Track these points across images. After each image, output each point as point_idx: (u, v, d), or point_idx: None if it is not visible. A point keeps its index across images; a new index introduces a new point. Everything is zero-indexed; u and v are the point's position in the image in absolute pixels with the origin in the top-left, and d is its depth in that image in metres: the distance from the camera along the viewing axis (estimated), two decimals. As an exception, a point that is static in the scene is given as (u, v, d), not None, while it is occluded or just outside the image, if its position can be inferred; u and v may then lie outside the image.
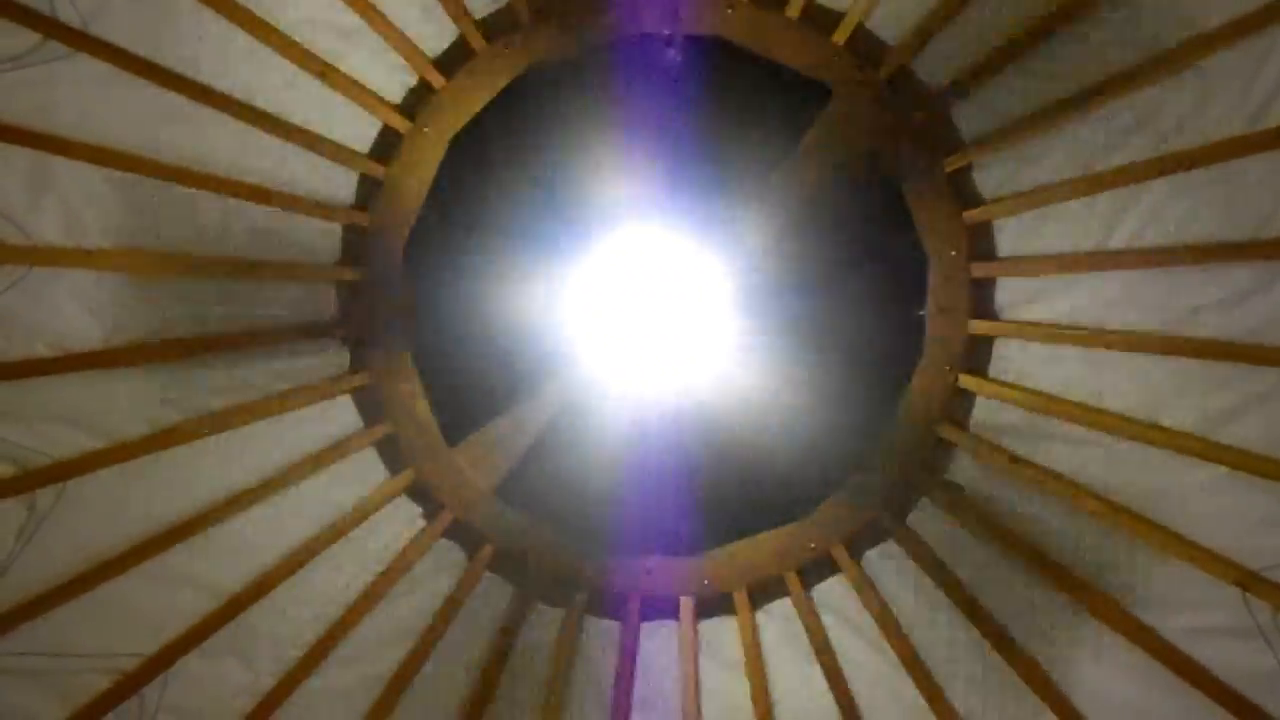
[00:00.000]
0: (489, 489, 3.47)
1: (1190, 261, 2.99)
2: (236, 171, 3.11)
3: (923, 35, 3.11)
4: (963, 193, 3.26)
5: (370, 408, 3.40)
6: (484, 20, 3.18)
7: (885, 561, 3.41)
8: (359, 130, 3.22)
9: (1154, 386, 3.08)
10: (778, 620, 3.46)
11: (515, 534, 3.47)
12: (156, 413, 3.15)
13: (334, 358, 3.36)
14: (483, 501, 3.47)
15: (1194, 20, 2.83)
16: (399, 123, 3.23)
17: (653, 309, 3.52)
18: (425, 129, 3.24)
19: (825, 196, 3.35)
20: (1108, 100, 2.99)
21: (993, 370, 3.32)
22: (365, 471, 3.40)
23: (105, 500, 3.12)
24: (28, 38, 2.84)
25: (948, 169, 3.23)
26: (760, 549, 3.47)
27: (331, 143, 3.18)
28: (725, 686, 3.47)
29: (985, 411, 3.34)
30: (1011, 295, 3.28)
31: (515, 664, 3.46)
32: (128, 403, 3.13)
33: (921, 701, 3.32)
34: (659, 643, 3.50)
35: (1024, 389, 3.26)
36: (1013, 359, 3.30)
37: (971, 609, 3.29)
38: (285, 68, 3.07)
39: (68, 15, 2.86)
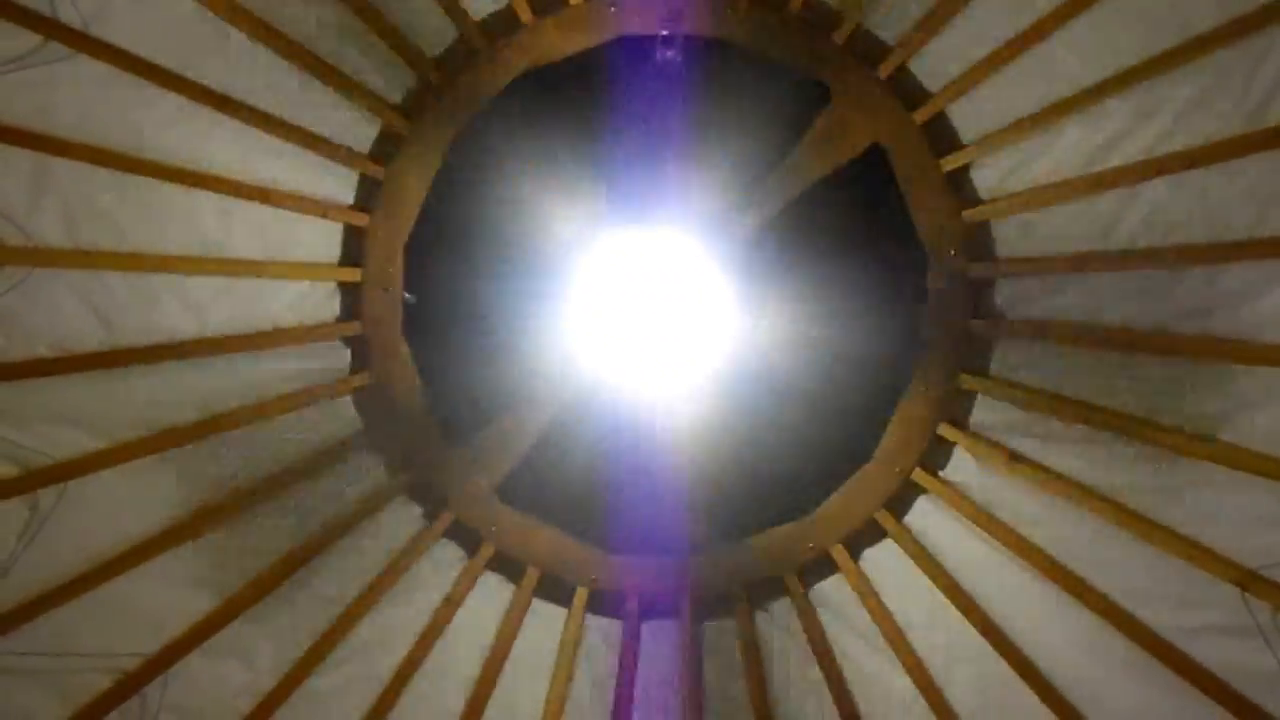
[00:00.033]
0: (489, 489, 3.48)
1: (1189, 261, 2.99)
2: (237, 172, 3.12)
3: (922, 35, 3.11)
4: (961, 192, 3.26)
5: (371, 408, 3.40)
6: (484, 20, 3.19)
7: (885, 561, 3.41)
8: (359, 130, 3.22)
9: (1154, 386, 3.08)
10: (777, 620, 3.47)
11: (515, 534, 3.48)
12: (157, 413, 3.16)
13: (334, 358, 3.37)
14: (483, 501, 3.47)
15: (1193, 20, 2.83)
16: (399, 123, 3.23)
17: (653, 309, 3.52)
18: (425, 129, 3.24)
19: (824, 196, 3.35)
20: (1106, 100, 2.98)
21: (992, 370, 3.32)
22: (365, 471, 3.40)
23: (106, 500, 3.12)
24: (29, 39, 2.83)
25: (946, 169, 3.24)
26: (760, 549, 3.48)
27: (331, 143, 3.19)
28: (726, 687, 3.47)
29: (985, 411, 3.34)
30: (1011, 295, 3.28)
31: (516, 664, 3.46)
32: (128, 403, 3.13)
33: (921, 701, 3.32)
34: (659, 642, 3.50)
35: (1023, 388, 3.27)
36: (1014, 359, 3.30)
37: (970, 608, 3.29)
38: (285, 68, 3.06)
39: (69, 17, 2.85)
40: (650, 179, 3.36)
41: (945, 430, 3.35)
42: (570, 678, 3.46)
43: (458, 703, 3.44)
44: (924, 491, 3.39)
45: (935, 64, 3.17)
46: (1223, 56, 2.83)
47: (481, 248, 3.42)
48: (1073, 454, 3.20)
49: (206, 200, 3.11)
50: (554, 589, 3.49)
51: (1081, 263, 3.16)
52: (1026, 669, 3.23)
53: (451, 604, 3.43)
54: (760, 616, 3.48)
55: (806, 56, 3.23)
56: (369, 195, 3.28)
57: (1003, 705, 3.27)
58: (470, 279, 3.42)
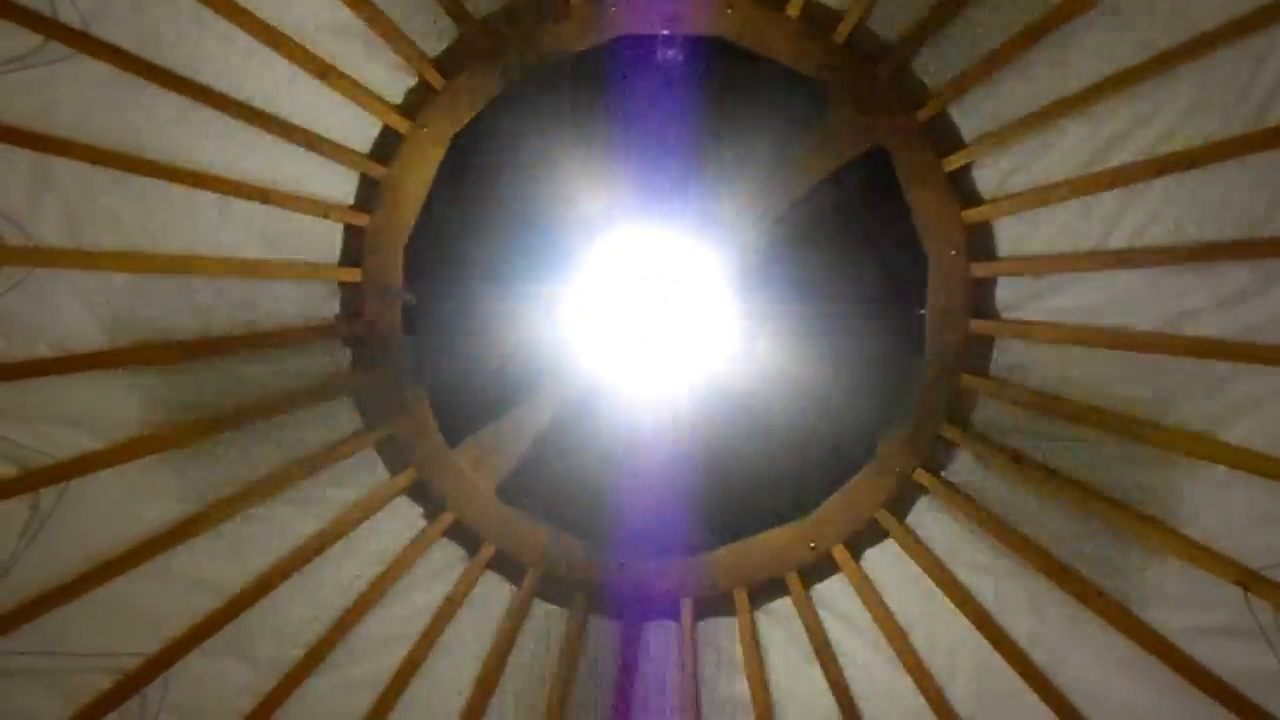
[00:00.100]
0: (490, 489, 3.48)
1: (1190, 261, 2.99)
2: (237, 172, 3.12)
3: (922, 34, 3.11)
4: (962, 192, 3.26)
5: (371, 408, 3.40)
6: (484, 20, 3.19)
7: (885, 561, 3.41)
8: (359, 130, 3.22)
9: (1154, 386, 3.08)
10: (778, 620, 3.47)
11: (515, 534, 3.48)
12: (157, 413, 3.16)
13: (334, 358, 3.37)
14: (483, 502, 3.47)
15: (1194, 20, 2.82)
16: (399, 123, 3.23)
17: (652, 309, 3.52)
18: (425, 129, 3.25)
19: (825, 196, 3.35)
20: (1107, 99, 2.98)
21: (993, 370, 3.32)
22: (366, 471, 3.41)
23: (107, 500, 3.12)
24: (29, 39, 2.83)
25: (947, 168, 3.23)
26: (760, 549, 3.47)
27: (331, 143, 3.19)
28: (725, 686, 3.47)
29: (986, 411, 3.34)
30: (1012, 295, 3.28)
31: (515, 664, 3.46)
32: (129, 403, 3.13)
33: (922, 701, 3.32)
34: (660, 642, 3.50)
35: (1024, 388, 3.26)
36: (1013, 358, 3.29)
37: (971, 608, 3.29)
38: (285, 68, 3.07)
39: (69, 16, 2.86)
40: (650, 179, 3.36)
41: (946, 430, 3.35)
42: (570, 678, 3.46)
43: (458, 703, 3.44)
44: (925, 492, 3.38)
45: (936, 63, 3.17)
46: (1224, 56, 2.83)
47: (482, 248, 3.42)
48: (1073, 454, 3.20)
49: (206, 200, 3.11)
50: (554, 589, 3.49)
51: (1082, 262, 3.15)
52: (1027, 669, 3.23)
53: (451, 604, 3.43)
54: (761, 616, 3.48)
55: (807, 56, 3.23)
56: (369, 195, 3.28)
57: (1003, 705, 3.26)
58: (470, 279, 3.42)
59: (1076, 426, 3.18)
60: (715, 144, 3.35)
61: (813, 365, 3.46)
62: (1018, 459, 3.25)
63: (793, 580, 3.45)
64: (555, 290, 3.44)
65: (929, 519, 3.38)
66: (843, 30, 3.18)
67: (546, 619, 3.48)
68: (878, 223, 3.38)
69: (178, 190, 3.07)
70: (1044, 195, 3.14)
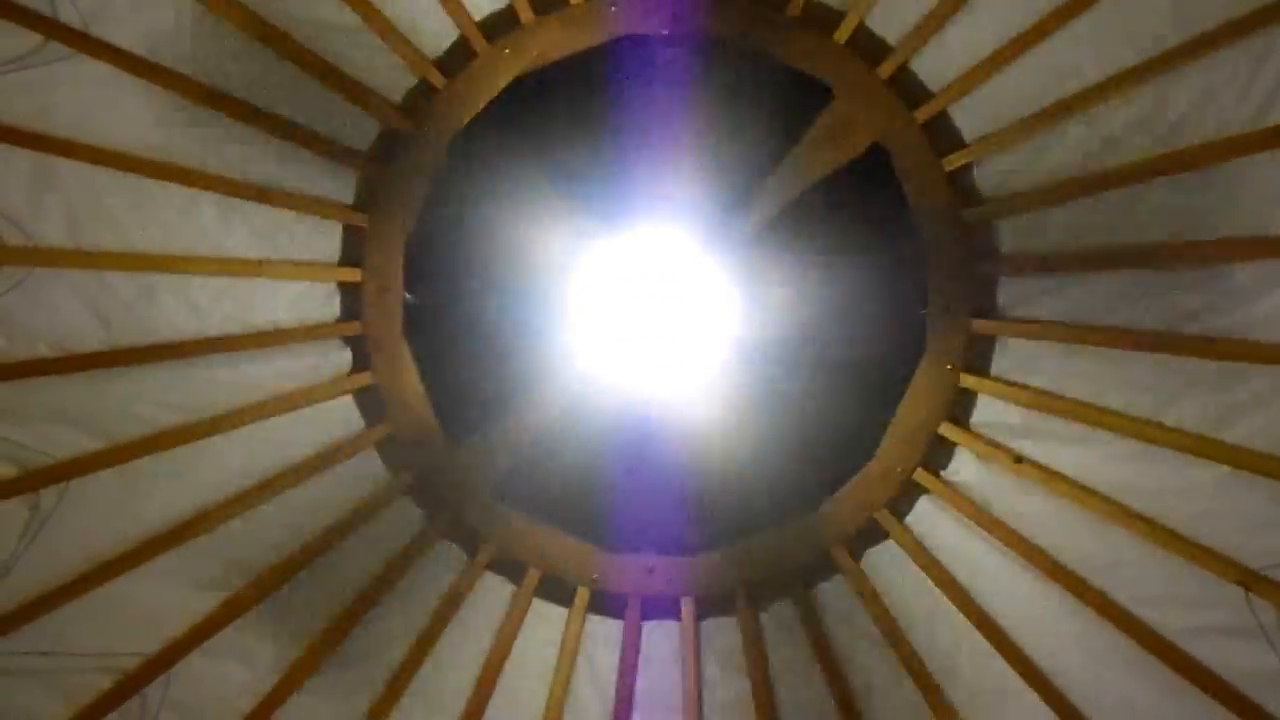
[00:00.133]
0: (490, 489, 3.48)
1: (1191, 261, 2.99)
2: (237, 172, 3.12)
3: (923, 34, 3.10)
4: (963, 191, 3.25)
5: (371, 408, 3.40)
6: (484, 20, 3.19)
7: (886, 561, 3.41)
8: (359, 130, 3.22)
9: (1154, 386, 3.07)
10: (778, 620, 3.46)
11: (515, 534, 3.48)
12: (157, 413, 3.16)
13: (335, 358, 3.37)
14: (483, 501, 3.47)
15: (1194, 20, 2.82)
16: (400, 123, 3.23)
17: (652, 309, 3.52)
18: (425, 129, 3.24)
19: (825, 196, 3.34)
20: (1109, 99, 2.98)
21: (994, 369, 3.32)
22: (366, 471, 3.41)
23: (107, 500, 3.12)
24: (29, 39, 2.83)
25: (947, 168, 3.23)
26: (761, 549, 3.47)
27: (332, 142, 3.19)
28: (725, 687, 3.47)
29: (987, 411, 3.33)
30: (1013, 295, 3.28)
31: (516, 664, 3.46)
32: (129, 403, 3.13)
33: (922, 702, 3.32)
34: (660, 642, 3.50)
35: (1025, 388, 3.26)
36: (1015, 359, 3.29)
37: (971, 608, 3.29)
38: (285, 68, 3.07)
39: (69, 16, 2.85)
40: (651, 179, 3.36)
41: (947, 430, 3.35)
42: (570, 678, 3.46)
43: (458, 703, 3.44)
44: (925, 492, 3.38)
45: (937, 63, 3.16)
46: (1225, 56, 2.82)
47: (481, 247, 3.42)
48: (1074, 454, 3.20)
49: (206, 200, 3.11)
50: (554, 589, 3.49)
51: (1083, 262, 3.15)
52: (1027, 669, 3.23)
53: (452, 604, 3.43)
54: (761, 616, 3.48)
55: (808, 56, 3.22)
56: (369, 195, 3.28)
57: (1003, 705, 3.26)
58: (470, 279, 3.43)
59: (1077, 427, 3.18)
60: (715, 144, 3.35)
61: (813, 364, 3.46)
62: (1018, 459, 3.24)
63: (793, 581, 3.44)
64: (556, 290, 3.43)
65: (929, 519, 3.38)
66: (843, 30, 3.17)
67: (546, 619, 3.48)
68: (878, 222, 3.38)
69: (178, 190, 3.07)
70: (1044, 195, 3.14)
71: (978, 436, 3.32)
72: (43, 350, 3.03)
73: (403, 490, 3.43)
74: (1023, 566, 3.24)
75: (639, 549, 3.49)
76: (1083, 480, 3.18)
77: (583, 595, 3.48)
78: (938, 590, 3.32)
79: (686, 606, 3.49)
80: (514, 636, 3.45)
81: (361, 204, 3.28)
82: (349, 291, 3.34)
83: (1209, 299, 2.97)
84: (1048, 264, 3.20)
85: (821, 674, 3.40)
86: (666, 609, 3.50)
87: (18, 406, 3.00)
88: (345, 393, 3.37)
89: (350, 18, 3.05)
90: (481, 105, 3.24)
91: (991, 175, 3.21)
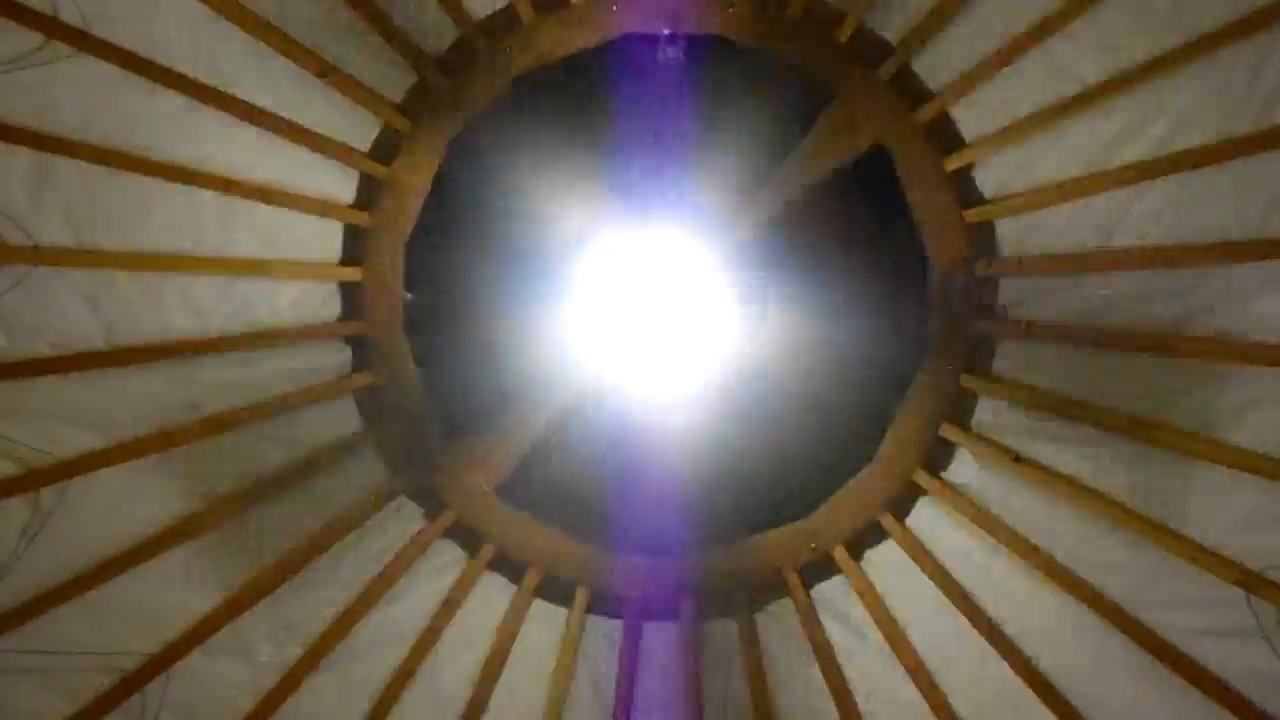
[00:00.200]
0: (490, 489, 3.48)
1: (1192, 262, 2.98)
2: (237, 171, 3.12)
3: (924, 34, 3.10)
4: (964, 192, 3.25)
5: (371, 408, 3.40)
6: (484, 20, 3.19)
7: (886, 562, 3.40)
8: (359, 130, 3.22)
9: (1155, 386, 3.07)
10: (778, 620, 3.46)
11: (515, 534, 3.48)
12: (157, 413, 3.16)
13: (335, 358, 3.37)
14: (484, 501, 3.47)
15: (1195, 20, 2.82)
16: (399, 123, 3.23)
17: (652, 309, 3.51)
18: (426, 128, 3.24)
19: (826, 196, 3.34)
20: (1109, 100, 2.97)
21: (994, 370, 3.31)
22: (366, 471, 3.41)
23: (107, 500, 3.12)
24: (30, 38, 2.84)
25: (949, 168, 3.22)
26: (761, 549, 3.47)
27: (332, 143, 3.19)
28: (725, 687, 3.47)
29: (987, 412, 3.33)
30: (1013, 294, 3.27)
31: (516, 664, 3.46)
32: (129, 403, 3.13)
33: (922, 702, 3.31)
34: (660, 643, 3.50)
35: (1026, 389, 3.26)
36: (1014, 359, 3.29)
37: (971, 609, 3.29)
38: (286, 68, 3.07)
39: (70, 16, 2.85)
40: (651, 178, 3.36)
41: (947, 431, 3.34)
42: (570, 678, 3.46)
43: (458, 703, 3.44)
44: (926, 493, 3.38)
45: (938, 63, 3.16)
46: (1227, 56, 2.82)
47: (482, 247, 3.42)
48: (1075, 455, 3.19)
49: (207, 200, 3.11)
50: (554, 589, 3.49)
51: (1084, 263, 3.15)
52: (1027, 670, 3.23)
53: (452, 604, 3.43)
54: (761, 617, 3.48)
55: (808, 56, 3.22)
56: (369, 195, 3.28)
57: (1003, 706, 3.26)
58: (471, 279, 3.43)
59: (1077, 427, 3.18)
60: (715, 144, 3.35)
61: (813, 365, 3.46)
62: (1018, 459, 3.24)
63: (793, 581, 3.45)
64: (556, 290, 3.43)
65: (929, 520, 3.38)
66: (844, 30, 3.17)
67: (546, 619, 3.48)
68: (878, 223, 3.38)
69: (178, 190, 3.07)
70: (1045, 195, 3.14)
71: (978, 437, 3.32)
72: (44, 349, 3.03)
73: (403, 490, 3.43)
74: (1023, 567, 3.24)
75: (639, 549, 3.49)
76: (1083, 480, 3.18)
77: (583, 595, 3.48)
78: (938, 591, 3.32)
79: (686, 607, 3.48)
80: (514, 636, 3.45)
81: (361, 204, 3.28)
82: (349, 291, 3.34)
83: (1209, 299, 2.97)
84: (1048, 264, 3.19)
85: (821, 674, 3.40)
86: (666, 609, 3.50)
87: (18, 406, 3.00)
88: (345, 392, 3.37)
89: (351, 18, 3.05)
90: (481, 105, 3.24)
91: (993, 175, 3.20)
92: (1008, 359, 3.29)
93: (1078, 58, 2.99)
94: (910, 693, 3.33)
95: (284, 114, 3.11)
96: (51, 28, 2.84)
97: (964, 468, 3.35)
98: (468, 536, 3.47)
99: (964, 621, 3.29)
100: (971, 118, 3.17)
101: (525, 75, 3.22)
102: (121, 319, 3.11)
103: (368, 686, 3.39)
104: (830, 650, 3.41)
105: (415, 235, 3.29)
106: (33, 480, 3.03)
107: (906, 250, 3.31)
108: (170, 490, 3.20)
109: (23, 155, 2.92)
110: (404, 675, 3.39)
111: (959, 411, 3.34)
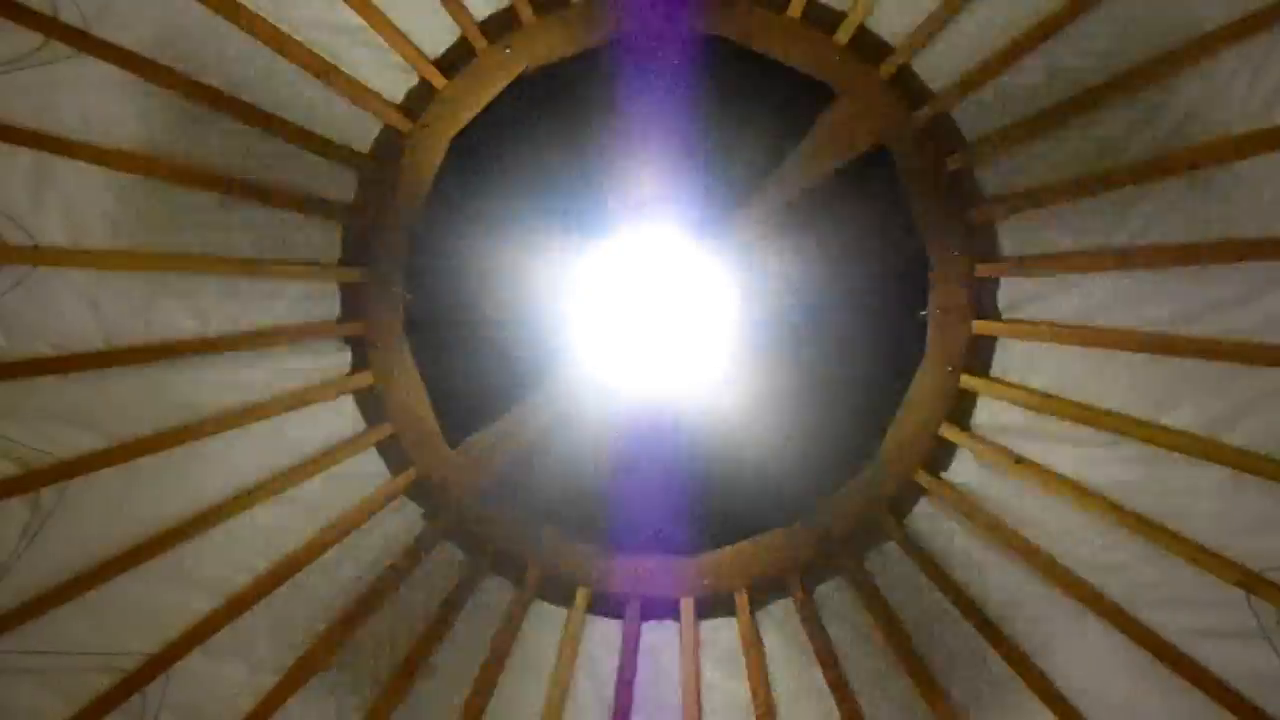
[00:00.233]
0: (490, 489, 3.48)
1: (1192, 262, 2.98)
2: (237, 171, 3.12)
3: (925, 35, 3.10)
4: (965, 193, 3.25)
5: (371, 408, 3.41)
6: (484, 20, 3.19)
7: (886, 562, 3.40)
8: (360, 130, 3.22)
9: (1155, 386, 3.07)
10: (778, 620, 3.47)
11: (516, 534, 3.48)
12: (157, 413, 3.16)
13: (335, 358, 3.37)
14: (484, 501, 3.47)
15: (1197, 20, 2.82)
16: (400, 123, 3.23)
17: (652, 309, 3.52)
18: (426, 129, 3.24)
19: (826, 197, 3.34)
20: (1111, 100, 2.97)
21: (995, 370, 3.32)
22: (366, 471, 3.41)
23: (108, 499, 3.12)
24: (30, 39, 2.84)
25: (950, 169, 3.22)
26: (761, 549, 3.47)
27: (333, 142, 3.19)
28: (725, 687, 3.47)
29: (987, 412, 3.33)
30: (1014, 295, 3.28)
31: (516, 663, 3.46)
32: (130, 403, 3.13)
33: (922, 702, 3.31)
34: (660, 643, 3.50)
35: (1026, 389, 3.26)
36: (1015, 359, 3.29)
37: (970, 609, 3.29)
38: (287, 68, 3.07)
39: (70, 16, 2.86)
40: (651, 179, 3.36)
41: (947, 431, 3.34)
42: (570, 678, 3.46)
43: (458, 703, 3.43)
44: (926, 492, 3.38)
45: (939, 63, 3.16)
46: (1228, 56, 2.82)
47: (482, 247, 3.41)
48: (1075, 455, 3.19)
49: (207, 200, 3.11)
50: (554, 589, 3.49)
51: (1084, 263, 3.14)
52: (1027, 670, 3.23)
53: (452, 605, 3.43)
54: (761, 617, 3.48)
55: (809, 56, 3.22)
56: (370, 194, 3.28)
57: (1004, 706, 3.26)
58: (471, 279, 3.42)
59: (1077, 427, 3.17)
60: (716, 144, 3.34)
61: (814, 366, 3.46)
62: (1018, 459, 3.24)
63: (793, 581, 3.44)
64: (556, 290, 3.43)
65: (930, 520, 3.38)
66: (845, 30, 3.17)
67: (546, 619, 3.48)
68: (879, 223, 3.38)
69: (178, 190, 3.07)
70: (1047, 196, 3.14)
71: (978, 437, 3.32)
72: (43, 349, 3.03)
73: (403, 491, 3.43)
74: (1023, 567, 3.24)
75: (639, 549, 3.49)
76: (1083, 481, 3.18)
77: (583, 595, 3.48)
78: (938, 590, 3.32)
79: (686, 606, 3.49)
80: (514, 636, 3.45)
81: (362, 203, 3.28)
82: (349, 291, 3.34)
83: (1210, 299, 2.97)
84: (1049, 265, 3.19)
85: (821, 674, 3.40)
86: (666, 609, 3.50)
87: (18, 406, 3.00)
88: (345, 393, 3.37)
89: (351, 18, 3.05)
90: (481, 105, 3.24)
91: (993, 176, 3.20)
92: (1009, 359, 3.28)
93: (1079, 58, 2.98)
94: (911, 692, 3.33)
95: (284, 115, 3.11)
96: (51, 28, 2.84)
97: (964, 468, 3.34)
98: (468, 537, 3.47)
99: (963, 621, 3.29)
100: (972, 118, 3.17)
101: (525, 75, 3.22)
102: (121, 319, 3.10)
103: (368, 688, 3.38)
104: (831, 650, 3.41)
105: (416, 235, 3.29)
106: (33, 480, 3.03)
107: (907, 250, 3.31)
108: (170, 492, 3.19)
109: (23, 155, 2.92)
110: (404, 676, 3.39)
111: (959, 411, 3.34)
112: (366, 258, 3.31)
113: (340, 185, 3.26)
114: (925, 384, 3.35)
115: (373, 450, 3.42)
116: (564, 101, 3.29)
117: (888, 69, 3.19)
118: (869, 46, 3.19)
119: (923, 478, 3.36)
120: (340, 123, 3.19)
